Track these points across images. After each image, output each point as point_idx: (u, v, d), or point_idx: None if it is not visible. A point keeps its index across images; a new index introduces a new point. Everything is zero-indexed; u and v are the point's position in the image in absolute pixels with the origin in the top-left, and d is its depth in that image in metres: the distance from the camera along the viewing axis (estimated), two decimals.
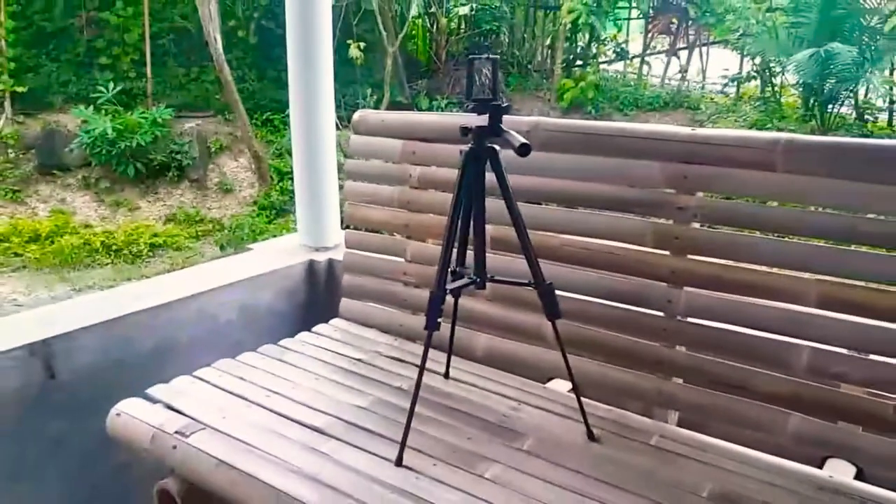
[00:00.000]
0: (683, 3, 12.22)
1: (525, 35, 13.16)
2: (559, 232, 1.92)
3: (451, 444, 1.67)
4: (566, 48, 12.49)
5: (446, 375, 1.99)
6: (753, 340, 1.67)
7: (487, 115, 1.55)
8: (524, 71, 12.55)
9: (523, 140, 1.43)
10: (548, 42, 13.13)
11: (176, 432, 1.69)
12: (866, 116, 10.84)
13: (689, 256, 1.74)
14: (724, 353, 1.72)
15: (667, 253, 1.77)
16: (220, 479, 1.57)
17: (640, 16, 13.46)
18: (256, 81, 10.34)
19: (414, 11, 10.10)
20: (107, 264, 7.65)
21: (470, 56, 1.49)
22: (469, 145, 1.59)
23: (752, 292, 1.66)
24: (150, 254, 7.88)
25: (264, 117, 9.88)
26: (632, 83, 12.78)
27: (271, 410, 1.81)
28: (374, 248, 2.33)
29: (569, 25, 11.90)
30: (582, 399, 1.73)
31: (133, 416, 1.78)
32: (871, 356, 1.54)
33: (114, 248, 7.84)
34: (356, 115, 2.30)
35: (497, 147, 1.59)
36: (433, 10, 11.23)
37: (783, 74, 11.54)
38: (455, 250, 1.69)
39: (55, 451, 2.03)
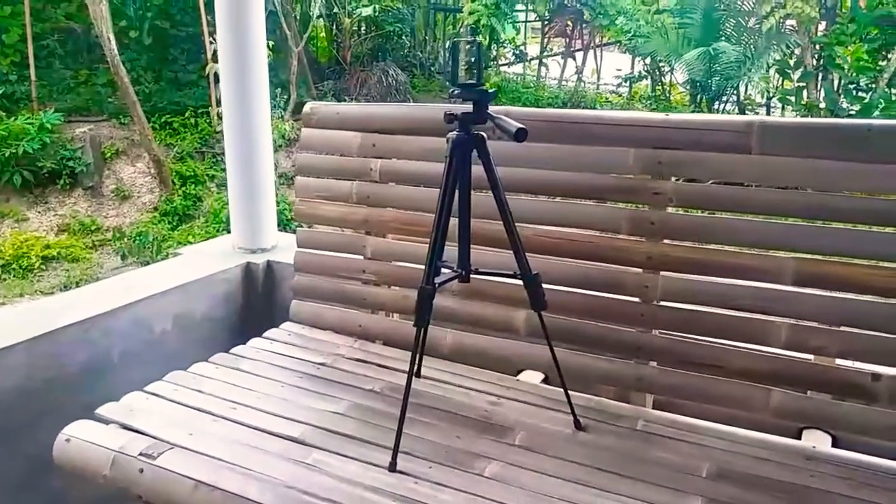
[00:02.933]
0: (578, 6, 12.57)
1: (427, 37, 13.14)
2: (532, 222, 1.88)
3: (441, 444, 1.61)
4: (467, 50, 12.57)
5: (417, 374, 1.93)
6: (731, 320, 1.70)
7: (472, 101, 1.50)
8: (427, 73, 12.53)
9: (519, 125, 1.38)
10: (448, 45, 13.19)
11: (141, 454, 1.53)
12: (747, 112, 11.53)
13: (666, 241, 1.75)
14: (702, 335, 1.74)
15: (642, 239, 1.77)
16: (200, 503, 1.44)
17: (538, 18, 13.75)
18: (153, 83, 9.78)
19: (316, 12, 9.85)
20: None
21: (455, 40, 1.43)
22: (455, 132, 1.52)
23: (728, 273, 1.69)
24: (44, 267, 7.27)
25: (163, 120, 9.35)
26: (531, 84, 13.02)
27: (241, 423, 1.69)
28: (329, 245, 2.22)
29: (469, 28, 11.99)
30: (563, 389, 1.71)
31: (86, 439, 1.60)
32: (847, 328, 1.60)
33: (0, 262, 7.20)
34: (307, 108, 2.19)
35: (485, 134, 1.54)
36: (336, 11, 11.00)
37: (672, 73, 12.11)
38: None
39: None
